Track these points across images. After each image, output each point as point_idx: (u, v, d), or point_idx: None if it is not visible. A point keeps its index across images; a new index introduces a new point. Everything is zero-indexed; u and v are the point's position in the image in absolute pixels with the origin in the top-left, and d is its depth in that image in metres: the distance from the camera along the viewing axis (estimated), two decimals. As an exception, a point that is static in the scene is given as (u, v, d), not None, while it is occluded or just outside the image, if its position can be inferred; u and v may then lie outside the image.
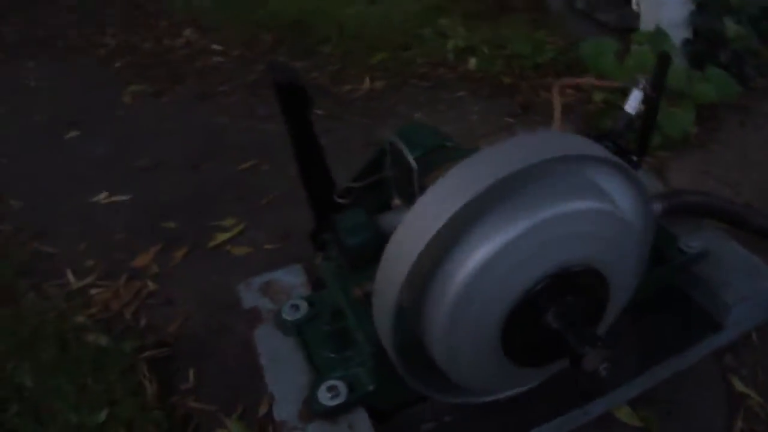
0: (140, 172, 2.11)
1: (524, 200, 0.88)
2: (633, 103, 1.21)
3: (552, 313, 0.92)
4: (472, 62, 2.39)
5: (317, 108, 2.22)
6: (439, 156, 1.16)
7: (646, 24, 2.04)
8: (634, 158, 1.29)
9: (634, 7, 2.07)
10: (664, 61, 1.21)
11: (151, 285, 1.64)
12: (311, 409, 1.12)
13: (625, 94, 1.26)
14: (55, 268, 1.74)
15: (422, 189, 1.00)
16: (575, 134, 1.01)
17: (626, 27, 2.13)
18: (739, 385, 1.28)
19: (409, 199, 1.12)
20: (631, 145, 1.29)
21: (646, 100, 1.23)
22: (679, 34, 2.02)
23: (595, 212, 0.90)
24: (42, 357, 1.45)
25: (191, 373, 1.40)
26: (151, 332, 1.51)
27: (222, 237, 1.76)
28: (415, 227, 0.87)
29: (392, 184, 1.22)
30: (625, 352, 1.26)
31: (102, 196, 1.99)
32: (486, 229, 0.87)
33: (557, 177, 0.91)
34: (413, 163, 1.08)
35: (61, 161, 2.20)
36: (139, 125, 2.39)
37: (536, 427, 1.15)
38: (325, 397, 1.12)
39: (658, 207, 1.31)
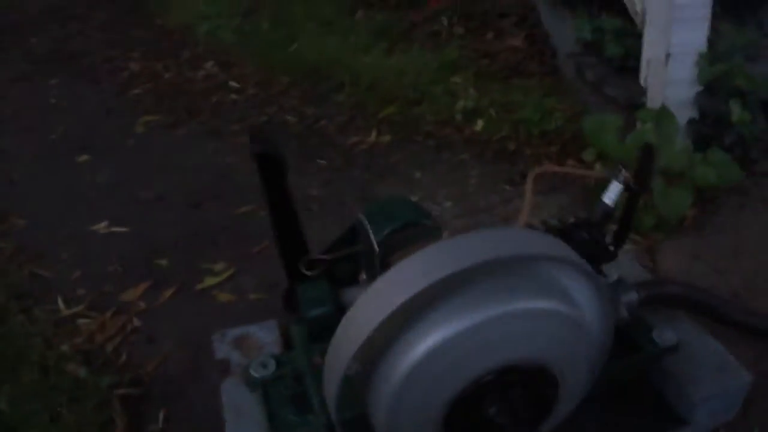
0: (142, 204, 2.18)
1: (475, 296, 0.92)
2: (611, 194, 1.23)
3: (495, 407, 0.97)
4: (479, 124, 2.43)
5: (320, 158, 2.32)
6: (407, 235, 1.20)
7: (653, 101, 2.04)
8: (611, 248, 1.33)
9: (642, 83, 2.08)
10: (648, 153, 1.24)
11: (135, 321, 1.70)
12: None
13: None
14: (48, 293, 1.81)
15: (384, 268, 1.07)
16: (539, 231, 1.05)
17: (633, 103, 2.14)
18: None
19: (373, 277, 1.17)
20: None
21: (628, 191, 1.26)
22: (684, 114, 2.01)
23: (546, 313, 0.94)
24: (22, 381, 1.51)
25: (161, 415, 1.45)
26: (129, 369, 1.57)
27: (210, 281, 1.82)
28: (367, 309, 0.92)
29: (360, 259, 1.27)
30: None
31: (102, 225, 2.06)
32: (435, 320, 0.91)
33: (512, 275, 0.95)
34: (375, 246, 1.13)
35: (69, 184, 2.29)
36: (148, 156, 2.47)
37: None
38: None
39: (634, 296, 1.33)
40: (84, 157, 2.45)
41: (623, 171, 1.21)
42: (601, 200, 1.23)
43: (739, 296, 1.66)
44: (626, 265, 1.59)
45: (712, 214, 1.95)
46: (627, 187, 1.25)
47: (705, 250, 1.83)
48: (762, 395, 1.39)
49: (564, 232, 1.24)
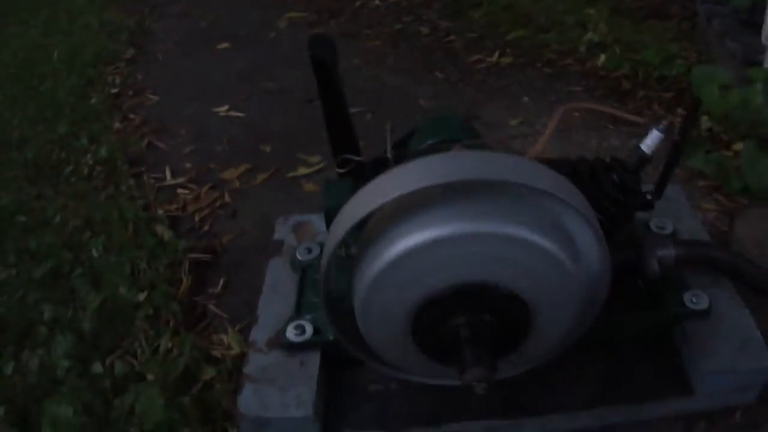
0: (264, 94, 2.31)
1: (460, 209, 0.92)
2: (650, 142, 1.15)
3: (462, 320, 0.98)
4: (601, 59, 2.32)
5: (440, 71, 2.32)
6: (442, 149, 1.21)
7: None
8: (649, 197, 1.26)
9: (763, 40, 1.87)
10: (694, 104, 1.16)
11: (227, 197, 1.85)
12: (278, 340, 1.27)
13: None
14: (160, 163, 2.00)
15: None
16: (542, 165, 1.00)
17: (751, 60, 1.95)
18: None
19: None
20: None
21: (672, 143, 1.20)
22: None
23: (528, 244, 0.92)
24: (115, 236, 1.71)
25: (221, 281, 1.59)
26: (208, 238, 1.72)
27: (302, 171, 1.92)
28: (360, 201, 0.96)
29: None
30: (581, 383, 1.25)
31: (223, 109, 2.22)
32: (418, 223, 0.92)
33: (505, 199, 0.94)
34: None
35: (205, 68, 2.47)
36: (282, 50, 2.59)
37: (464, 421, 1.20)
38: (291, 333, 1.25)
39: (671, 252, 1.26)
40: (224, 45, 2.61)
41: (665, 121, 1.13)
42: (638, 146, 1.16)
43: None
44: (686, 219, 1.49)
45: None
46: (671, 139, 1.18)
47: None
48: None
49: (593, 171, 1.19)
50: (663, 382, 1.24)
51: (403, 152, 1.30)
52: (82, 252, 1.68)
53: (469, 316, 0.98)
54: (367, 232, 0.99)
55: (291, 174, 1.92)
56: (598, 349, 1.29)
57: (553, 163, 1.20)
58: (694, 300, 1.26)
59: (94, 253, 1.67)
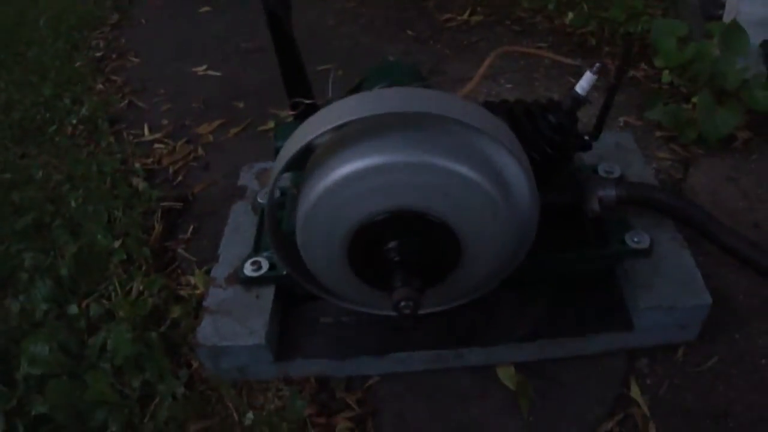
0: (242, 54, 2.37)
1: (392, 140, 0.98)
2: (584, 84, 1.18)
3: (393, 245, 1.04)
4: (569, 16, 2.34)
5: (410, 29, 2.36)
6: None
7: (728, 15, 1.85)
8: (586, 138, 1.32)
9: None
10: (628, 44, 1.21)
11: (200, 150, 1.92)
12: (236, 276, 1.34)
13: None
14: (139, 120, 2.07)
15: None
16: (474, 103, 1.06)
17: (711, 15, 1.96)
18: (635, 391, 1.25)
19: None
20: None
21: (608, 86, 1.24)
22: (759, 34, 1.81)
23: (456, 175, 0.98)
24: (92, 187, 1.79)
25: (191, 227, 1.66)
26: (180, 188, 1.79)
27: (272, 124, 1.98)
28: (298, 136, 1.02)
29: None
30: (524, 317, 1.30)
31: (201, 68, 2.28)
32: (359, 150, 0.99)
33: (437, 132, 0.99)
34: (330, 94, 1.20)
35: (186, 31, 2.52)
36: (262, 12, 2.62)
37: (409, 351, 1.27)
38: (248, 269, 1.33)
39: (612, 192, 1.31)
40: (205, 9, 2.66)
41: (598, 63, 1.17)
42: (572, 88, 1.20)
43: (759, 228, 1.54)
44: (636, 165, 1.54)
45: (768, 141, 1.78)
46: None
47: (743, 176, 1.70)
48: (734, 326, 1.35)
49: (529, 112, 1.23)
50: (604, 317, 1.30)
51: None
52: (62, 204, 1.76)
53: (400, 241, 1.05)
54: (308, 168, 1.06)
55: (262, 127, 1.98)
56: (543, 284, 1.35)
57: (489, 105, 1.27)
58: (635, 239, 1.32)
59: (73, 205, 1.74)
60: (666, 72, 1.92)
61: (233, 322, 1.28)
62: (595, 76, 1.19)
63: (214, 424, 1.26)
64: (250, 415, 1.23)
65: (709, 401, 1.23)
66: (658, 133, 1.80)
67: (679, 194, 1.38)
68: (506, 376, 1.29)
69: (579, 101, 1.22)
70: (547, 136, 1.22)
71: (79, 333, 1.47)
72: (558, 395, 1.25)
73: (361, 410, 1.25)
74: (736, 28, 1.77)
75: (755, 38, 1.80)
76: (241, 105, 2.09)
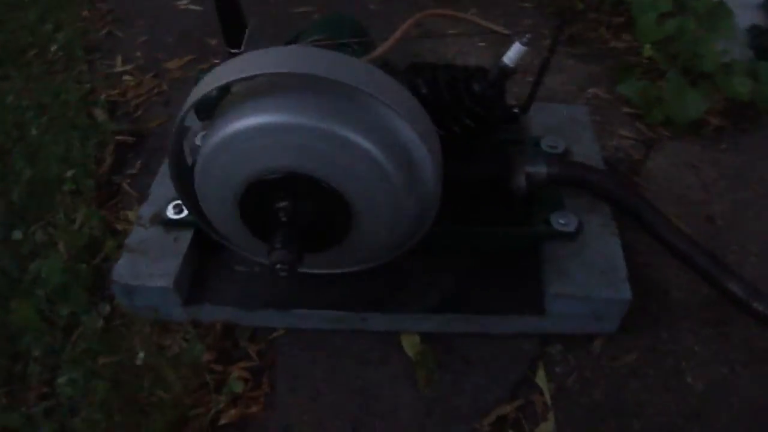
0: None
1: (290, 100, 0.98)
2: (512, 54, 1.13)
3: (281, 204, 1.04)
4: None
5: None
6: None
7: None
8: (515, 110, 1.28)
9: None
10: (562, 20, 1.17)
11: (164, 86, 1.92)
12: (159, 216, 1.36)
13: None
14: (114, 51, 2.07)
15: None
16: (375, 68, 1.03)
17: None
18: (540, 378, 1.23)
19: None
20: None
21: (543, 59, 1.20)
22: (747, 17, 1.74)
23: (354, 146, 0.97)
24: (55, 116, 1.80)
25: (139, 162, 1.68)
26: (138, 122, 1.80)
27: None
28: (204, 82, 1.02)
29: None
30: (434, 287, 1.29)
31: (183, 2, 2.26)
32: (256, 107, 0.99)
33: (345, 100, 0.98)
34: (243, 47, 1.18)
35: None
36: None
37: (312, 308, 1.28)
38: (170, 211, 1.35)
39: (542, 169, 1.28)
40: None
41: (528, 34, 1.13)
42: (500, 59, 1.16)
43: (712, 223, 1.49)
44: (585, 142, 1.49)
45: (743, 132, 1.71)
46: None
47: (706, 164, 1.63)
48: (663, 323, 1.32)
49: (452, 80, 1.19)
50: (517, 297, 1.28)
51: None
52: (27, 131, 1.78)
53: (289, 203, 1.04)
54: (216, 113, 1.06)
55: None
56: (460, 256, 1.34)
57: (414, 67, 1.23)
58: (561, 221, 1.29)
59: (34, 132, 1.76)
60: (647, 46, 1.84)
61: (148, 263, 1.30)
62: (525, 48, 1.15)
63: (120, 359, 1.29)
64: (141, 354, 1.26)
65: (618, 399, 1.21)
66: (625, 110, 1.74)
67: (617, 178, 1.34)
68: (409, 344, 1.29)
69: (506, 72, 1.18)
70: (469, 107, 1.18)
71: (22, 259, 1.51)
72: (459, 371, 1.25)
73: (260, 362, 1.27)
74: (721, 8, 1.70)
75: (743, 21, 1.72)
76: (214, 42, 2.07)
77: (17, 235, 1.55)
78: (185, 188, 1.14)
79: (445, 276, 1.31)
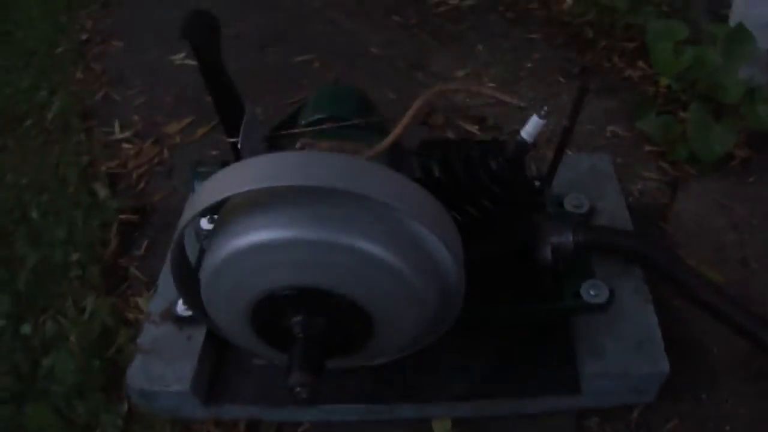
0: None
1: (314, 214, 0.91)
2: (530, 129, 1.05)
3: (297, 319, 0.98)
4: (567, 3, 2.17)
5: (397, 15, 2.22)
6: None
7: (735, 17, 1.66)
8: (537, 183, 1.21)
9: None
10: (582, 92, 1.10)
11: (165, 153, 1.86)
12: (170, 312, 1.30)
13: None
14: (111, 116, 2.01)
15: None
16: (392, 173, 0.96)
17: (718, 17, 1.76)
18: None
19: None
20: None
21: (563, 129, 1.14)
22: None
23: (374, 259, 0.90)
24: (55, 194, 1.75)
25: (145, 243, 1.62)
26: (143, 197, 1.74)
27: (241, 124, 1.89)
28: (206, 190, 0.95)
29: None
30: (464, 372, 1.23)
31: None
32: (270, 219, 0.92)
33: (352, 207, 0.91)
34: (238, 141, 1.12)
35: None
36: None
37: (341, 403, 1.22)
38: (180, 307, 1.29)
39: (568, 238, 1.21)
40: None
41: (545, 107, 1.05)
42: (519, 134, 1.09)
43: (747, 266, 1.41)
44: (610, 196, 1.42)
45: (770, 163, 1.60)
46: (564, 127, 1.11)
47: (736, 203, 1.55)
48: (703, 384, 1.25)
49: (468, 160, 1.12)
50: (550, 377, 1.21)
51: (291, 126, 1.28)
52: (28, 211, 1.73)
53: (305, 317, 0.98)
54: (220, 217, 1.00)
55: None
56: (489, 335, 1.28)
57: (425, 147, 1.17)
58: (592, 292, 1.21)
59: (34, 215, 1.71)
60: (664, 78, 1.76)
61: (162, 365, 1.25)
62: (543, 121, 1.08)
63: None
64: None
65: (661, 469, 1.13)
66: (647, 148, 1.66)
67: (646, 240, 1.27)
68: (441, 430, 1.23)
69: (525, 148, 1.11)
70: (485, 188, 1.12)
71: (33, 352, 1.46)
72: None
73: (288, 460, 1.21)
74: (741, 32, 1.60)
75: (765, 43, 1.63)
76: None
77: (26, 329, 1.50)
78: (193, 296, 1.07)
79: (475, 357, 1.25)
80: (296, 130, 1.21)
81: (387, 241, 0.91)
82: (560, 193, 1.40)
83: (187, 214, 0.95)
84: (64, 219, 1.69)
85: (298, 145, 1.11)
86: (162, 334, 1.29)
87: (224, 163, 1.15)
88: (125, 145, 1.90)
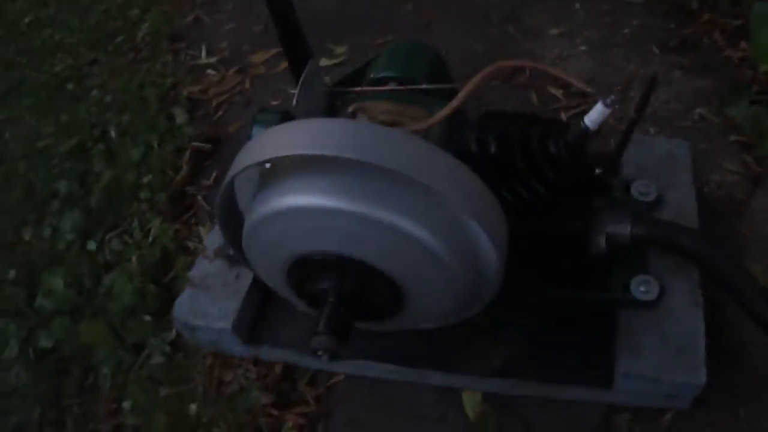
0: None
1: (359, 187, 0.91)
2: (594, 116, 0.99)
3: (330, 284, 1.00)
4: None
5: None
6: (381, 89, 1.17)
7: None
8: (598, 171, 1.16)
9: None
10: (651, 82, 1.03)
11: (247, 83, 1.88)
12: (222, 250, 1.34)
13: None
14: (200, 39, 2.04)
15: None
16: (461, 164, 0.93)
17: None
18: None
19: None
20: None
21: (629, 121, 1.07)
22: None
23: (412, 238, 0.91)
24: (134, 118, 1.81)
25: (215, 173, 1.66)
26: (218, 125, 1.77)
27: (323, 62, 1.87)
28: (256, 144, 0.97)
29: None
30: (500, 348, 1.22)
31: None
32: (316, 186, 0.93)
33: (398, 187, 0.91)
34: (294, 103, 1.11)
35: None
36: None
37: (372, 360, 1.24)
38: (232, 246, 1.32)
39: (625, 229, 1.16)
40: None
41: (612, 96, 0.99)
42: (582, 119, 1.04)
43: None
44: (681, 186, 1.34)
45: None
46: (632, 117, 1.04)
47: None
48: (743, 397, 1.18)
49: (526, 138, 1.08)
50: (584, 367, 1.18)
51: (359, 80, 1.27)
52: (108, 129, 1.80)
53: (337, 283, 0.99)
54: (270, 171, 1.01)
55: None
56: (528, 313, 1.26)
57: (486, 119, 1.13)
58: (642, 288, 1.17)
59: (113, 134, 1.78)
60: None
61: (209, 301, 1.30)
62: (609, 110, 1.02)
63: (180, 392, 1.31)
64: (200, 389, 1.28)
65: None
66: (733, 137, 1.55)
67: (708, 243, 1.20)
68: (470, 403, 1.23)
69: (587, 135, 1.05)
70: (540, 172, 1.08)
71: (96, 269, 1.55)
72: (515, 432, 1.18)
73: (316, 408, 1.25)
74: None
75: None
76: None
77: (92, 245, 1.58)
78: (239, 242, 1.10)
79: (512, 335, 1.24)
80: (358, 89, 1.20)
81: (424, 221, 0.91)
82: (629, 177, 1.33)
83: (235, 166, 0.97)
84: (140, 140, 1.75)
85: (350, 109, 1.10)
86: (213, 270, 1.33)
87: (284, 114, 1.16)
88: (209, 71, 1.93)
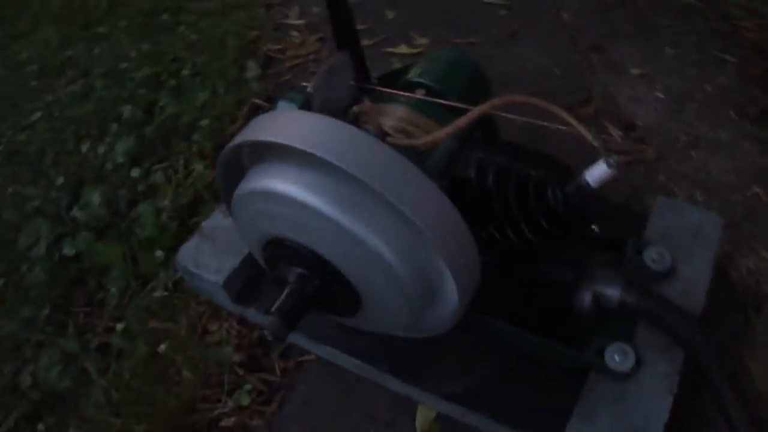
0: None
1: (336, 191, 0.92)
2: (595, 174, 0.96)
3: (293, 270, 1.02)
4: None
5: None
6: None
7: None
8: (594, 228, 1.13)
9: None
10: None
11: (324, 52, 1.92)
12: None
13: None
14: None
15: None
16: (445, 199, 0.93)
17: None
18: None
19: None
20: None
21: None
22: None
23: (378, 255, 0.92)
24: (209, 61, 1.89)
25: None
26: (282, 88, 1.83)
27: (401, 50, 1.87)
28: (262, 122, 1.00)
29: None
30: (465, 373, 1.22)
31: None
32: (303, 180, 0.94)
33: (376, 202, 0.91)
34: (311, 87, 1.13)
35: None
36: None
37: (338, 349, 1.26)
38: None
39: (615, 293, 1.12)
40: None
41: (615, 157, 0.95)
42: (583, 174, 1.00)
43: None
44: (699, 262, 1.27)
45: None
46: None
47: None
48: None
49: (522, 181, 1.06)
50: (536, 415, 1.15)
51: (390, 83, 1.27)
52: (183, 66, 1.89)
53: (299, 272, 1.03)
54: (268, 149, 1.05)
55: (390, 49, 1.90)
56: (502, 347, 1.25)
57: (491, 149, 1.12)
58: (617, 357, 1.12)
59: (186, 72, 1.86)
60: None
61: (211, 253, 1.35)
62: (611, 171, 0.98)
63: (166, 328, 1.39)
64: (183, 333, 1.35)
65: None
66: (776, 217, 1.46)
67: (696, 326, 1.14)
68: (422, 418, 1.26)
69: (586, 192, 1.02)
70: (530, 219, 1.06)
71: (135, 194, 1.64)
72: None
73: (280, 379, 1.30)
74: None
75: None
76: (391, 16, 2.01)
77: (136, 172, 1.68)
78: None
79: (483, 364, 1.23)
80: (384, 89, 1.21)
81: (395, 244, 0.92)
82: (648, 240, 1.29)
83: (240, 137, 1.00)
84: (209, 84, 1.83)
85: (356, 109, 1.11)
86: (223, 225, 1.39)
87: (306, 98, 1.19)
88: (293, 33, 1.98)
